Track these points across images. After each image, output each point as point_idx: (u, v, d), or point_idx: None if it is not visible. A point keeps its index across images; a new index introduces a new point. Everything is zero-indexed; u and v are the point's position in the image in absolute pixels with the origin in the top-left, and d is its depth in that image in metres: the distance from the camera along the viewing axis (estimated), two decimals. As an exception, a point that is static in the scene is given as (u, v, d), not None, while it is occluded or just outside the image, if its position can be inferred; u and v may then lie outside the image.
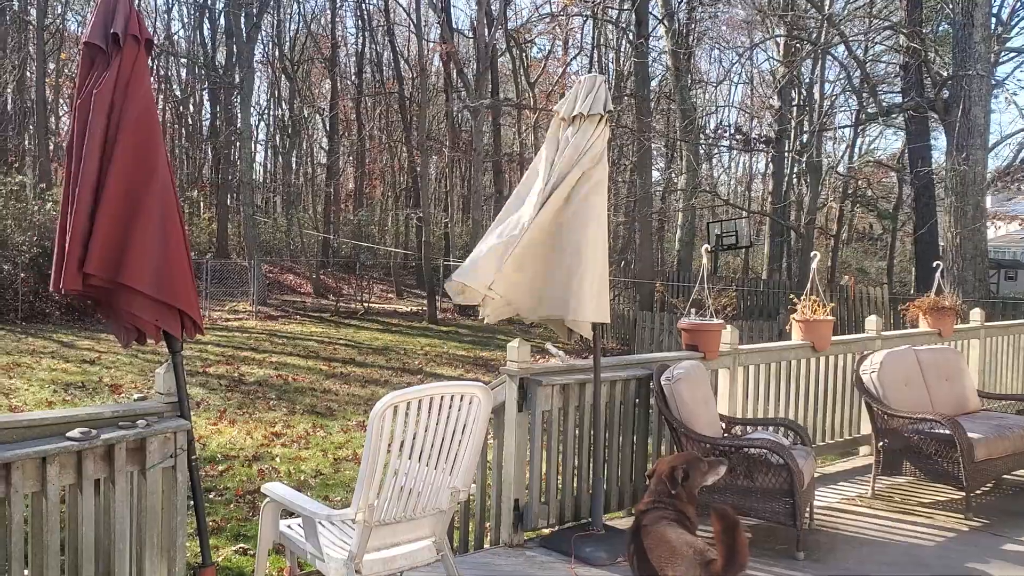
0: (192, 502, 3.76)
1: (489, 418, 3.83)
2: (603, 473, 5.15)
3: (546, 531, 5.06)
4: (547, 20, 31.23)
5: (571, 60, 34.53)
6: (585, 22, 31.12)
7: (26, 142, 28.25)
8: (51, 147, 26.89)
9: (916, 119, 18.15)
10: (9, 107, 27.99)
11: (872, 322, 7.21)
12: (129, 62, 3.43)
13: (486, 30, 26.91)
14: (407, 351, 17.86)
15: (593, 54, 32.91)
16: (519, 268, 4.64)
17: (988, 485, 6.13)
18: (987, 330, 8.11)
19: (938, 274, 8.01)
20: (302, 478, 8.33)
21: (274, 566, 5.69)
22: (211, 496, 7.65)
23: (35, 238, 19.25)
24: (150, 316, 3.49)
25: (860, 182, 30.48)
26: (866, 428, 6.59)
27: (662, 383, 5.16)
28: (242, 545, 6.39)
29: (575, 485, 5.16)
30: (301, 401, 12.13)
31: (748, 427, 5.57)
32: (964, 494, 5.58)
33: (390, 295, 29.76)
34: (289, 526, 3.84)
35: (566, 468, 5.13)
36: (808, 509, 5.17)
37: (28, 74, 28.01)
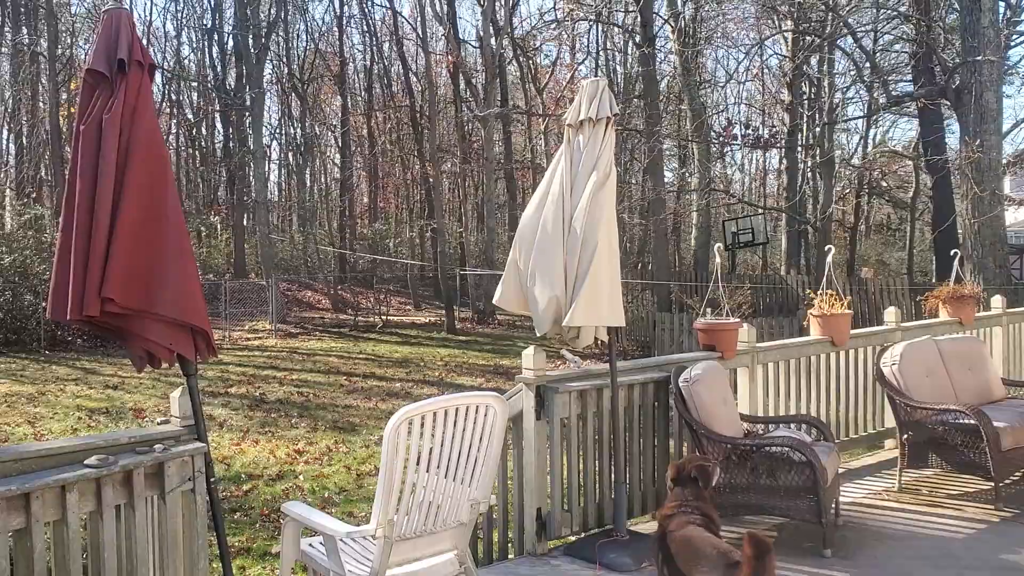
0: (213, 524, 3.76)
1: (507, 427, 3.82)
2: (625, 478, 5.12)
3: (570, 539, 5.03)
4: (552, 27, 31.23)
5: (579, 65, 34.55)
6: (591, 27, 31.11)
7: (42, 172, 28.52)
8: (67, 176, 27.11)
9: (929, 107, 18.01)
10: (24, 139, 28.28)
11: (891, 314, 7.14)
12: (135, 87, 3.44)
13: (492, 39, 26.98)
14: (427, 362, 17.88)
15: (599, 58, 32.92)
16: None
17: (1017, 474, 6.03)
18: (1010, 317, 8.01)
19: (956, 262, 7.91)
20: (326, 495, 8.35)
21: (300, 584, 5.69)
22: (237, 516, 7.68)
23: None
24: (164, 340, 3.49)
25: (875, 173, 30.26)
26: (890, 421, 6.51)
27: (680, 385, 5.13)
28: (269, 564, 6.40)
29: (597, 491, 5.14)
30: (323, 417, 12.17)
31: (769, 425, 5.52)
32: (993, 484, 5.50)
33: (408, 307, 29.79)
34: (311, 544, 3.84)
35: (587, 474, 5.10)
36: (834, 505, 5.11)
37: (41, 105, 28.30)
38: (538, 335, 4.82)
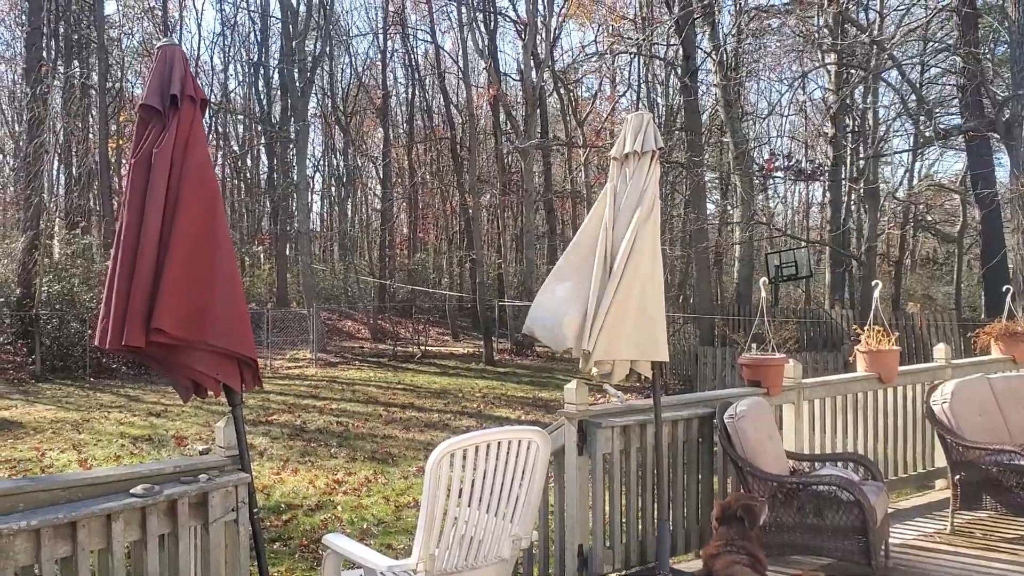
0: (255, 555, 3.76)
1: (549, 462, 3.78)
2: (668, 515, 5.04)
3: (612, 576, 4.95)
4: (593, 59, 31.38)
5: (620, 97, 34.65)
6: (632, 59, 31.21)
7: (90, 202, 29.15)
8: (115, 206, 27.71)
9: (977, 140, 17.75)
10: (74, 169, 28.97)
11: (941, 350, 6.99)
12: (187, 122, 3.50)
13: (533, 72, 27.17)
14: (465, 394, 17.85)
15: (641, 90, 32.98)
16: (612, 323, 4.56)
17: (1075, 518, 5.84)
18: (1065, 354, 7.78)
19: (1008, 298, 7.73)
20: (365, 526, 8.33)
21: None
22: (276, 546, 7.68)
23: (102, 296, 19.76)
24: (211, 371, 3.51)
25: (921, 206, 29.81)
26: (940, 461, 6.36)
27: (725, 421, 5.05)
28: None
29: (640, 528, 5.06)
30: (362, 448, 12.17)
31: (815, 463, 5.41)
32: (1050, 528, 5.34)
33: (446, 337, 29.85)
34: (351, 577, 3.82)
35: (630, 511, 5.02)
36: (883, 547, 4.98)
37: (91, 136, 29.01)
38: (581, 368, 4.78)
